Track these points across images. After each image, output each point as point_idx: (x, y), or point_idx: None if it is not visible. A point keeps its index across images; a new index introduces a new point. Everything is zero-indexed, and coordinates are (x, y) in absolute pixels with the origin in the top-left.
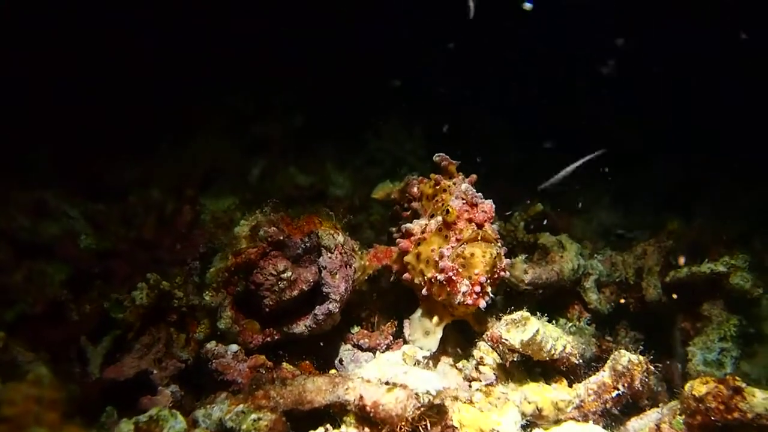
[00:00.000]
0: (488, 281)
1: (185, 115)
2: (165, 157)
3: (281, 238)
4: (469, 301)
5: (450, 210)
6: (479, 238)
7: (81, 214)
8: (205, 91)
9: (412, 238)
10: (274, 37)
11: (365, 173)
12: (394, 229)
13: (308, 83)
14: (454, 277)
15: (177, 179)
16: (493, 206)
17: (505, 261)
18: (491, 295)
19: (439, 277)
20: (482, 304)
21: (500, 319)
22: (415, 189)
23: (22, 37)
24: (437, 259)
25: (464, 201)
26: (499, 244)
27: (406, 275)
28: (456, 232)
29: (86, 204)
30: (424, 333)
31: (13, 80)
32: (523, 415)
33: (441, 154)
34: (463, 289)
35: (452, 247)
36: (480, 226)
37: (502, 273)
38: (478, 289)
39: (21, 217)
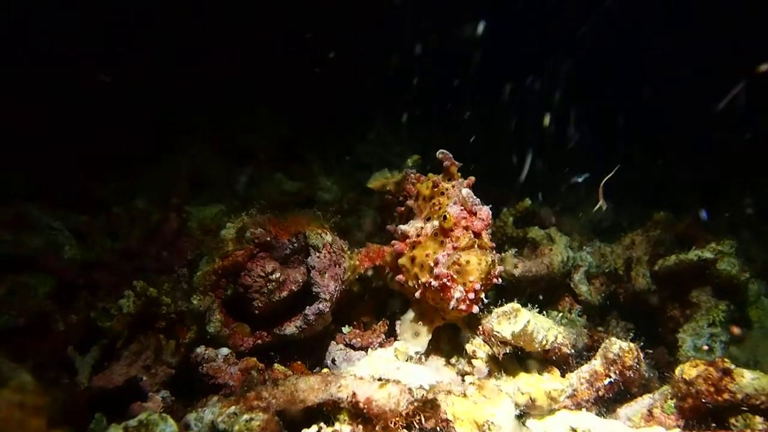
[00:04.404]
0: (482, 288)
1: (171, 127)
2: (149, 169)
3: (268, 239)
4: (463, 307)
5: (447, 217)
6: (475, 246)
7: (64, 226)
8: (191, 103)
9: (407, 240)
10: (259, 46)
11: (354, 177)
12: (389, 225)
13: (294, 89)
14: (448, 284)
15: (162, 190)
16: (490, 213)
17: (499, 268)
18: (484, 300)
19: (433, 283)
20: (475, 309)
21: (491, 312)
22: (412, 186)
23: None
24: (432, 264)
25: (462, 208)
26: (494, 252)
27: (400, 277)
28: (453, 240)
29: (70, 216)
30: (414, 335)
31: None
32: (517, 405)
33: (444, 151)
34: (457, 295)
35: (448, 254)
36: (477, 235)
37: (495, 280)
38: (472, 296)
39: (2, 231)
